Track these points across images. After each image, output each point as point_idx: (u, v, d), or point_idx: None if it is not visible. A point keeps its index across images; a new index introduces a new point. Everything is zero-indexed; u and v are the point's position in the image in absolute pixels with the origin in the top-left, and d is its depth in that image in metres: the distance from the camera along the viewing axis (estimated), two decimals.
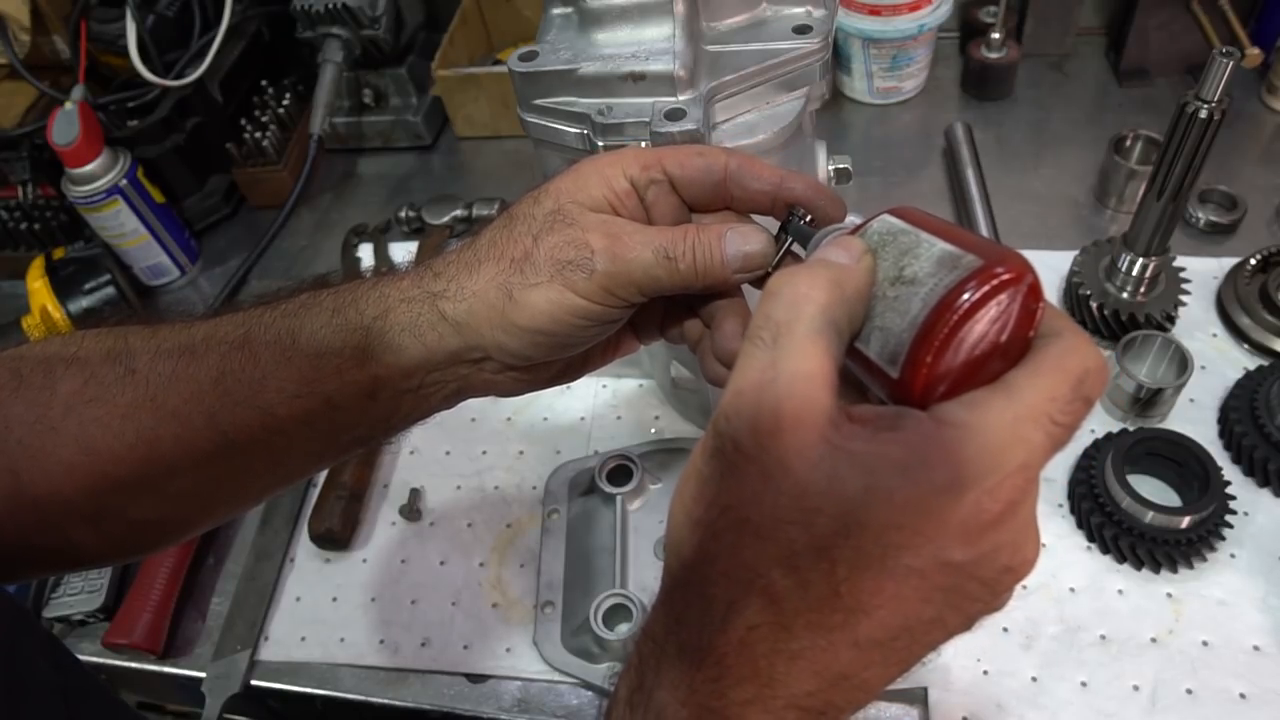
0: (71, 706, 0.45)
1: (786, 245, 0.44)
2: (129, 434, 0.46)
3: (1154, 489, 0.76)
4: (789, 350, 0.32)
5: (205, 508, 0.51)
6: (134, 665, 0.80)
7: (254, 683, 0.77)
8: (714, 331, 0.47)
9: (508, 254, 0.45)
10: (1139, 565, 0.73)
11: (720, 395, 0.34)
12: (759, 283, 0.45)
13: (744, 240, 0.44)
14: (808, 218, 0.44)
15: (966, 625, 0.35)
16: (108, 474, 0.46)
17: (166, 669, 0.79)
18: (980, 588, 0.33)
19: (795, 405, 0.32)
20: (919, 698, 0.69)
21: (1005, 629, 0.71)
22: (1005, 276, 0.32)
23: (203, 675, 0.77)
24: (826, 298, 0.33)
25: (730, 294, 0.47)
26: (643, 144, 0.58)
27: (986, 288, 0.32)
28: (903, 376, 0.34)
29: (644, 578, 0.76)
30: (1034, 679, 0.69)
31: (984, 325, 0.32)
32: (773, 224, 0.46)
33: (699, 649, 0.33)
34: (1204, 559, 0.72)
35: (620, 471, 0.81)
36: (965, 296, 0.32)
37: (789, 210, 0.44)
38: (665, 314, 0.51)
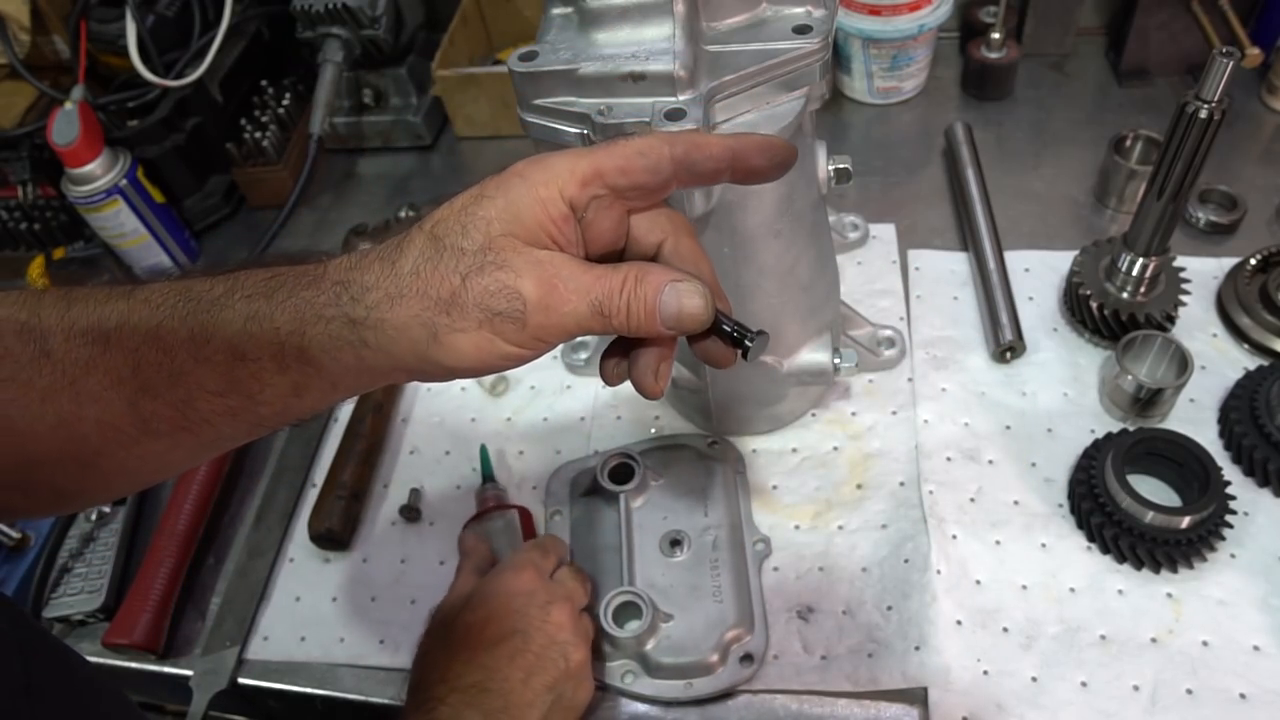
0: (26, 658, 0.45)
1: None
2: (49, 416, 0.45)
3: (1154, 489, 0.76)
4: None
5: (132, 480, 0.52)
6: (133, 665, 0.80)
7: (254, 682, 0.78)
8: (631, 362, 0.48)
9: (432, 291, 0.42)
10: (1139, 565, 0.73)
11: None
12: (695, 338, 0.47)
13: (679, 299, 0.43)
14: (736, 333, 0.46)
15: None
16: (30, 452, 0.46)
17: (160, 668, 0.79)
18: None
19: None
20: (919, 698, 0.69)
21: (1005, 629, 0.71)
22: None
23: (190, 673, 0.77)
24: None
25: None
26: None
27: None
28: None
29: (651, 574, 0.76)
30: (1034, 679, 0.69)
31: None
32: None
33: None
34: (1204, 559, 0.72)
35: (622, 470, 0.81)
36: None
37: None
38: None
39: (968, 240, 0.97)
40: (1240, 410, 0.78)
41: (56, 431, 0.45)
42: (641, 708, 0.72)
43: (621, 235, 0.47)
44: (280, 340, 0.44)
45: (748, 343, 0.46)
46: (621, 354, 0.49)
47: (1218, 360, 0.85)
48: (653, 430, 0.88)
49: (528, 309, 0.42)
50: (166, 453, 0.48)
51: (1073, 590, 0.73)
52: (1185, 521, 0.71)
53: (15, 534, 0.84)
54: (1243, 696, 0.66)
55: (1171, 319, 0.86)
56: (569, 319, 0.43)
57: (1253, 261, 0.88)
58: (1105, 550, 0.74)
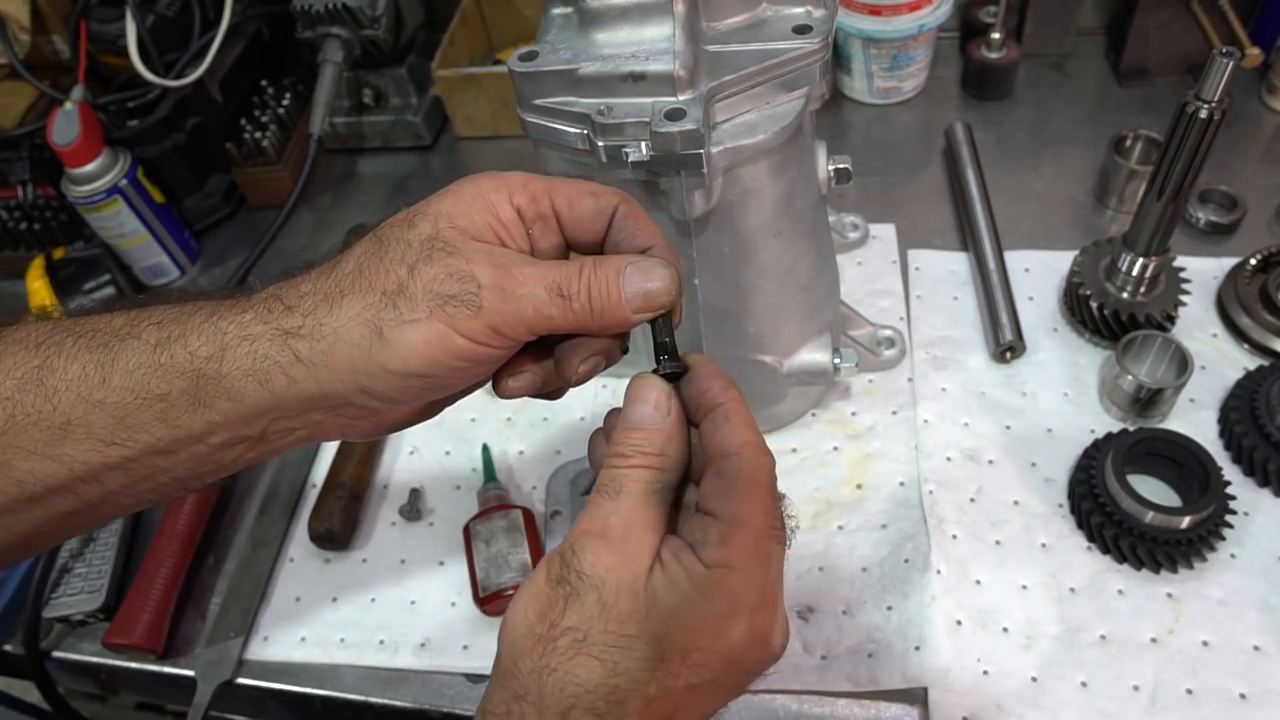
0: None
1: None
2: None
3: (1154, 489, 0.76)
4: (627, 503, 0.39)
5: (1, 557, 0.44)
6: (133, 665, 0.80)
7: (253, 683, 0.78)
8: (560, 355, 0.43)
9: (378, 285, 0.39)
10: (1139, 565, 0.73)
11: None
12: (659, 321, 0.43)
13: (645, 276, 0.41)
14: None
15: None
16: None
17: (164, 668, 0.79)
18: (754, 674, 0.41)
19: (630, 547, 0.39)
20: (919, 698, 0.69)
21: (1005, 629, 0.71)
22: None
23: (191, 673, 0.77)
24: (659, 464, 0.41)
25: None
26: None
27: None
28: None
29: None
30: (1034, 679, 0.69)
31: None
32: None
33: None
34: (1204, 559, 0.72)
35: None
36: None
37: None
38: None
39: (968, 240, 0.97)
40: (1240, 410, 0.78)
41: None
42: None
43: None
44: (195, 368, 0.39)
45: (665, 358, 0.43)
46: (532, 359, 0.44)
47: (1218, 360, 0.85)
48: None
49: (483, 291, 0.39)
50: (41, 524, 0.42)
51: (1073, 590, 0.73)
52: (1185, 521, 0.71)
53: None
54: (1243, 696, 0.66)
55: (1171, 319, 0.86)
56: (526, 304, 0.39)
57: (1253, 261, 0.88)
58: (1105, 550, 0.74)
